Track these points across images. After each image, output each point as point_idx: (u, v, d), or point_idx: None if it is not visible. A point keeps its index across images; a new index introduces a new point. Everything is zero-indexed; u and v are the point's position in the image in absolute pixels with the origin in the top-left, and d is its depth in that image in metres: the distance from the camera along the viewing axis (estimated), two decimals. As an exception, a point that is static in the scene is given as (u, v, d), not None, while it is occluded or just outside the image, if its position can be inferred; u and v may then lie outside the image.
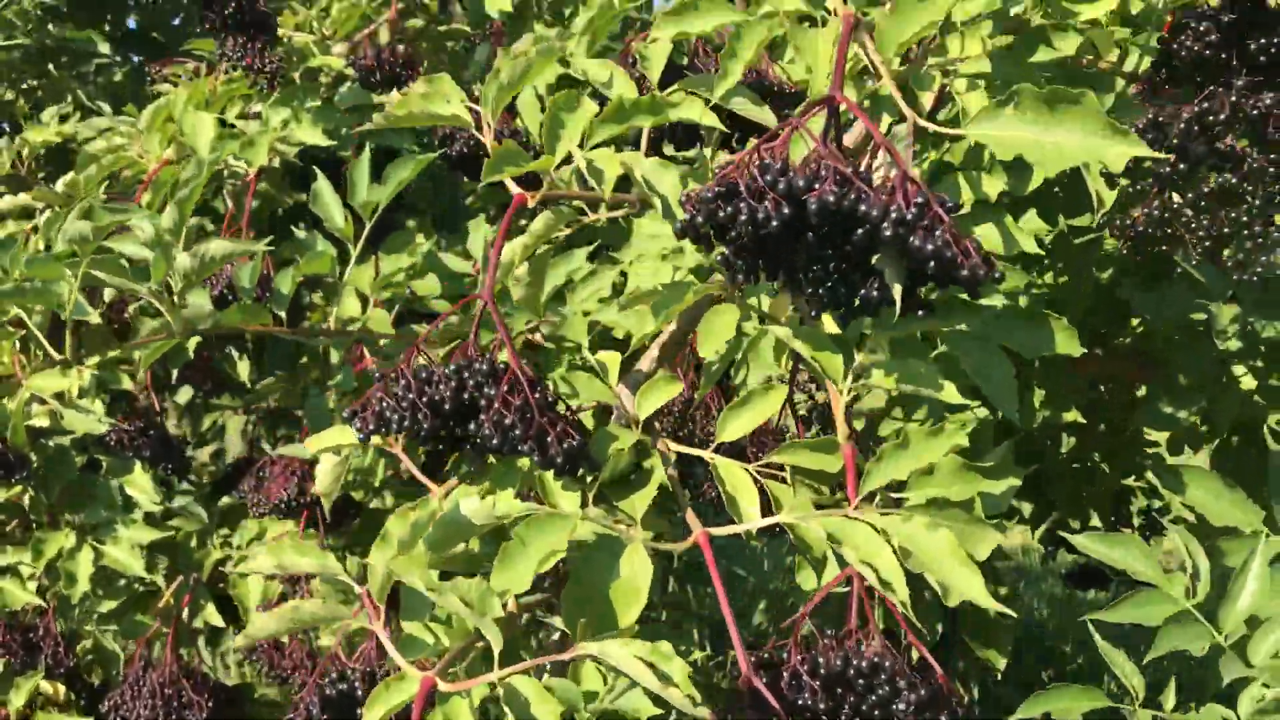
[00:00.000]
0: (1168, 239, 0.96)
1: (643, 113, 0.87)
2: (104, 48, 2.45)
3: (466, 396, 0.81)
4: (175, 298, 1.28)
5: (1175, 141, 0.91)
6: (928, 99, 0.93)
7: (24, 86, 2.59)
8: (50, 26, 2.37)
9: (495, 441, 0.78)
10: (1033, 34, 0.98)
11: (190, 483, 1.88)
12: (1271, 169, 0.92)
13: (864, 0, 0.79)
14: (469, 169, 1.63)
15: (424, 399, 0.80)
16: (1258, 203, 0.92)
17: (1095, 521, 1.93)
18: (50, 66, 2.51)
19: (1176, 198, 0.95)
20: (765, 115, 0.93)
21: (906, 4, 0.75)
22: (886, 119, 0.85)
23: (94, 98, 2.61)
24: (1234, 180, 0.92)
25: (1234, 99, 0.90)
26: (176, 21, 2.84)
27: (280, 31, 1.71)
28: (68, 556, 1.57)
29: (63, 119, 2.77)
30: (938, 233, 0.67)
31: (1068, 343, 0.91)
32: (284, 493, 1.53)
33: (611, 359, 0.90)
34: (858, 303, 0.75)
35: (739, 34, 0.85)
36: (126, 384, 1.59)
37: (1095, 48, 1.08)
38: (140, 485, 1.63)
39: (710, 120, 0.86)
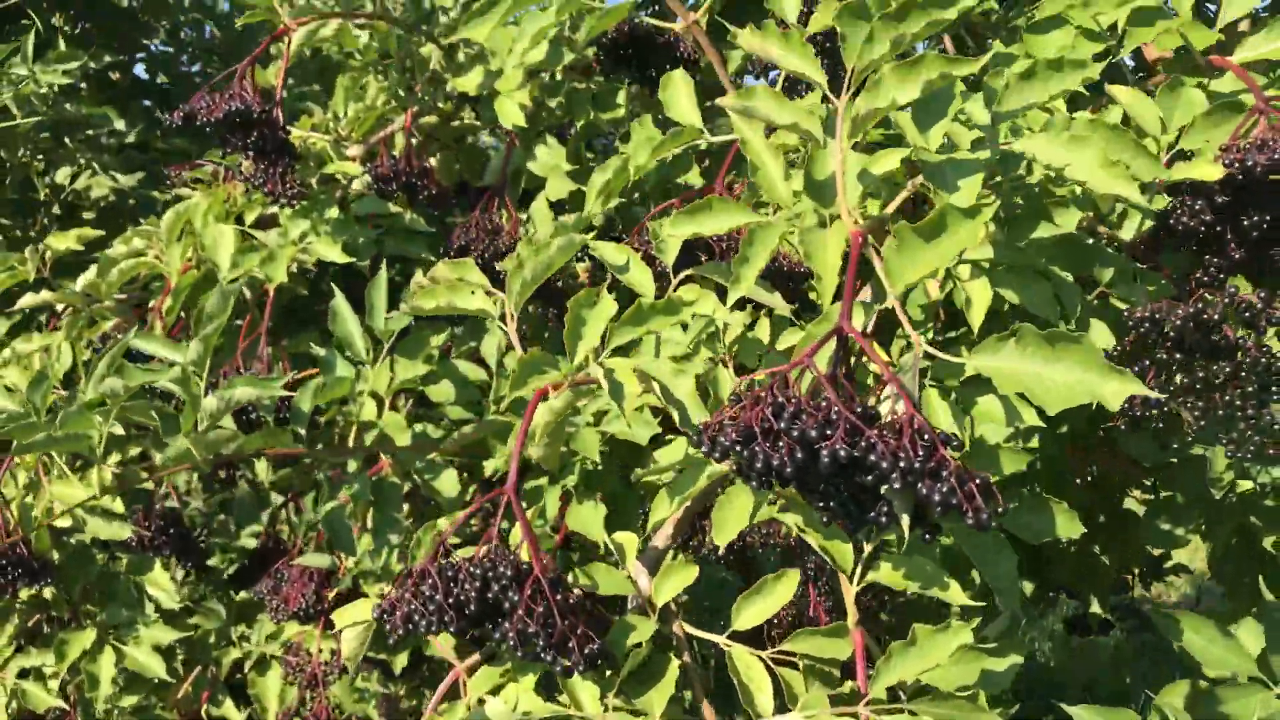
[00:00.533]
0: (1164, 418, 0.99)
1: (659, 314, 0.90)
2: (119, 124, 2.49)
3: (491, 597, 0.84)
4: (198, 431, 1.32)
5: (1171, 333, 0.95)
6: (932, 286, 0.97)
7: (40, 152, 2.63)
8: (68, 105, 2.41)
9: (518, 648, 0.82)
10: (1033, 212, 1.02)
11: (209, 572, 1.91)
12: (1264, 360, 0.95)
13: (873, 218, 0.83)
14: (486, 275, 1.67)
15: (449, 599, 0.84)
16: (1252, 390, 0.96)
17: (1095, 607, 1.96)
18: (66, 139, 2.55)
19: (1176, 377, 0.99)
20: (777, 301, 0.97)
21: (912, 243, 0.78)
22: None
23: (108, 167, 2.65)
24: (1229, 369, 0.95)
25: (1227, 300, 0.94)
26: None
27: (297, 133, 1.75)
28: (90, 658, 1.60)
29: (73, 178, 2.82)
30: (944, 474, 0.71)
31: (1068, 525, 0.95)
32: (301, 599, 1.56)
33: (629, 541, 0.94)
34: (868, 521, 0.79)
35: (752, 238, 0.89)
36: (147, 483, 1.63)
37: (1096, 207, 1.12)
38: (160, 584, 1.67)
39: (725, 315, 0.89)
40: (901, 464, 0.70)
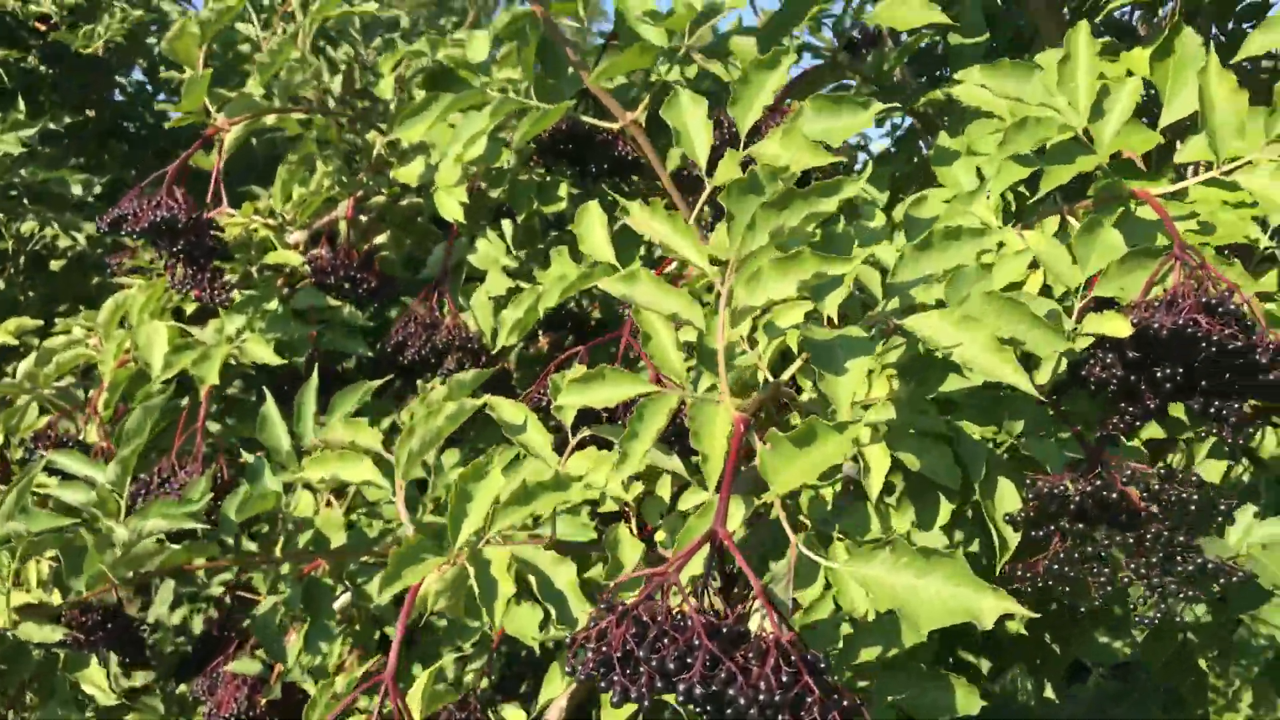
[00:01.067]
0: (1071, 582, 0.98)
1: (548, 491, 0.89)
2: (76, 189, 2.48)
3: None
4: (117, 549, 1.30)
5: (1072, 506, 0.93)
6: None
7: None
8: (22, 172, 2.40)
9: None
10: (939, 366, 1.00)
11: (156, 658, 1.90)
12: (1166, 530, 0.93)
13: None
14: (423, 370, 1.65)
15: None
16: (1155, 559, 0.94)
17: (1049, 692, 1.94)
18: (25, 200, 2.54)
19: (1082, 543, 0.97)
20: (675, 464, 0.95)
21: (786, 449, 0.76)
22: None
23: (69, 226, 2.64)
24: (1131, 539, 0.94)
25: (1126, 478, 0.92)
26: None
27: (239, 219, 1.74)
28: (23, 759, 1.59)
29: (40, 228, 2.80)
30: (808, 704, 0.69)
31: (967, 701, 0.93)
32: (234, 705, 1.55)
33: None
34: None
35: (641, 413, 0.87)
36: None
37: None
38: (96, 682, 1.65)
39: (619, 492, 0.88)
40: (760, 698, 0.69)
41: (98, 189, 3.06)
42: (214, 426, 2.00)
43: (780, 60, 1.08)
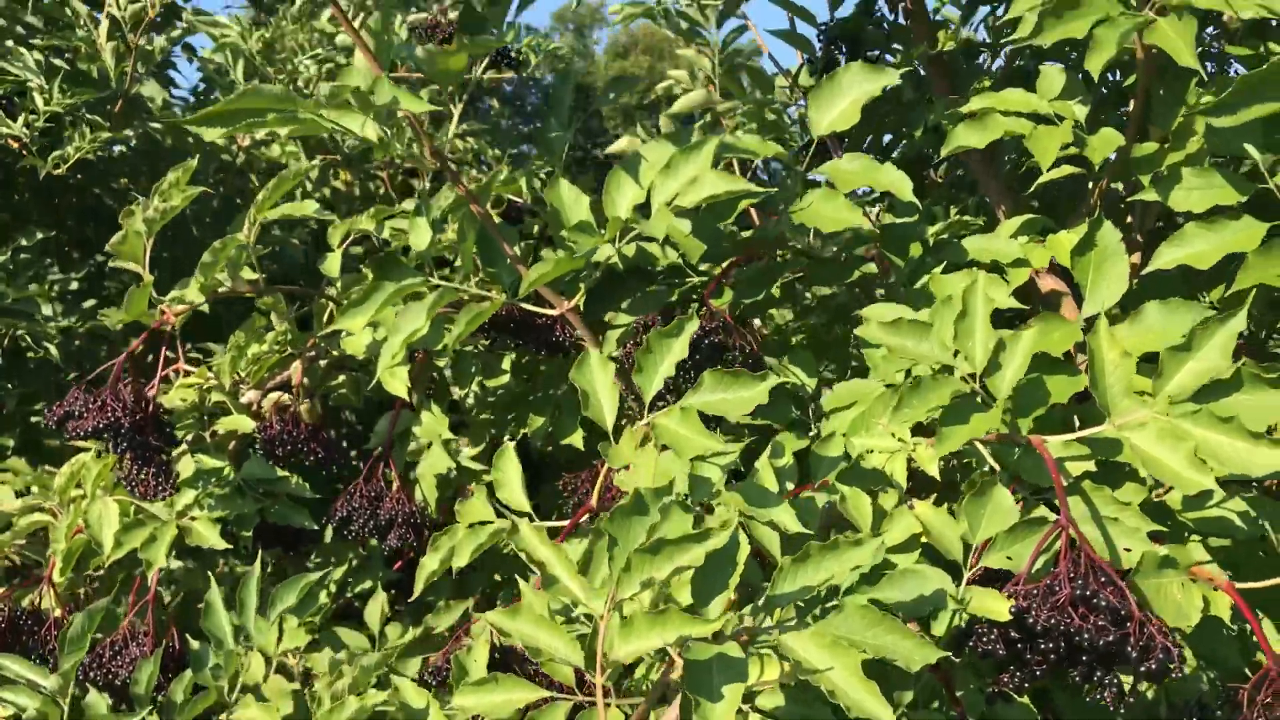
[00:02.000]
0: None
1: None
2: (46, 309, 2.52)
3: None
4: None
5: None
6: None
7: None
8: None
9: None
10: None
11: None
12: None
13: None
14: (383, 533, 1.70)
15: None
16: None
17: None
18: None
19: None
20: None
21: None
22: None
23: (40, 338, 2.68)
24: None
25: None
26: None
27: (193, 381, 1.78)
28: None
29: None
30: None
31: None
32: None
33: None
34: None
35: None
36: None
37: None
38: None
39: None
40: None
41: (74, 285, 3.12)
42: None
43: (684, 328, 1.13)
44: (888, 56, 1.96)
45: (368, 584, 1.83)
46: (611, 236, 1.45)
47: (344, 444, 1.98)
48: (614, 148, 2.38)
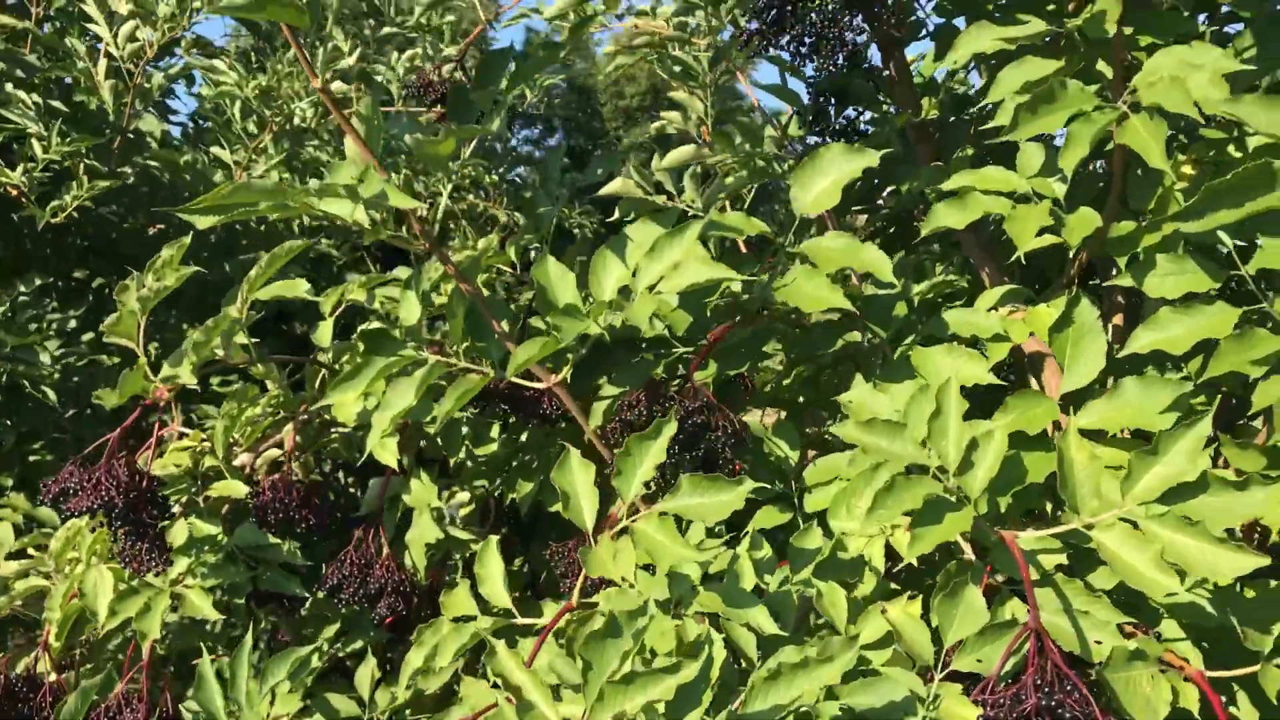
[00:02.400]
0: None
1: None
2: (45, 358, 2.55)
3: None
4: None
5: None
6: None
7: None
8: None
9: None
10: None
11: None
12: None
13: None
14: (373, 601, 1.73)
15: None
16: None
17: None
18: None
19: None
20: None
21: None
22: None
23: (39, 382, 2.71)
24: None
25: None
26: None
27: (187, 445, 1.81)
28: None
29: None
30: None
31: None
32: None
33: None
34: None
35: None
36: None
37: None
38: None
39: None
40: None
41: (71, 324, 3.15)
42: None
43: (662, 430, 1.15)
44: (868, 123, 1.98)
45: (359, 644, 1.86)
46: (596, 319, 1.48)
47: (336, 495, 2.01)
48: (608, 189, 2.41)
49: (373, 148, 1.45)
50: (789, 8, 1.51)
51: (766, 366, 2.36)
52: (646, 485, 1.18)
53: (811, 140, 2.17)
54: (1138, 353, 1.47)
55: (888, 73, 1.89)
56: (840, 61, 1.52)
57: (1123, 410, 1.51)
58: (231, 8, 1.28)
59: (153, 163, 3.18)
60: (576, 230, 3.74)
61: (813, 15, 1.51)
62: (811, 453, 2.05)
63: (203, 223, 1.37)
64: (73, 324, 3.12)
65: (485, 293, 1.74)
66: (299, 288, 1.56)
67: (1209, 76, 1.29)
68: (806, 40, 1.52)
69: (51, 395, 2.67)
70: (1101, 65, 1.61)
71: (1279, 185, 1.20)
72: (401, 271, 1.86)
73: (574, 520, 1.17)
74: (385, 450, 1.66)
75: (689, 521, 1.09)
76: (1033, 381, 1.74)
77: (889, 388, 1.60)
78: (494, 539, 1.25)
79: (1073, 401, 1.56)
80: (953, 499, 1.20)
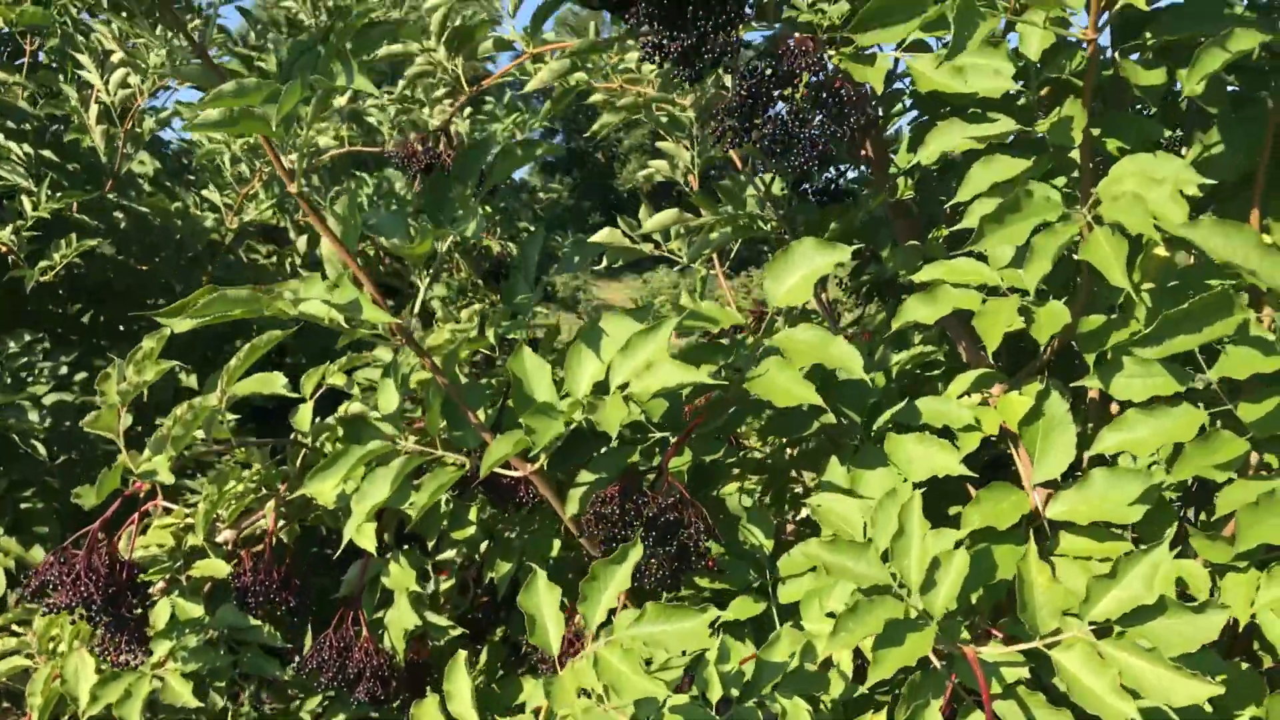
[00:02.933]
0: None
1: None
2: (33, 415, 2.57)
3: None
4: None
5: None
6: None
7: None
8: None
9: None
10: None
11: None
12: None
13: None
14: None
15: None
16: None
17: None
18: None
19: None
20: None
21: None
22: None
23: (29, 435, 2.74)
24: None
25: None
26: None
27: (171, 521, 1.83)
28: None
29: None
30: None
31: None
32: None
33: None
34: None
35: None
36: None
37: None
38: None
39: None
40: None
41: (63, 370, 3.17)
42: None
43: (627, 555, 1.17)
44: (852, 182, 2.01)
45: (341, 717, 1.88)
46: (569, 419, 1.49)
47: (318, 570, 2.03)
48: (595, 239, 2.42)
49: (349, 247, 1.47)
50: (758, 107, 1.52)
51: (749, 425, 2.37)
52: (611, 612, 1.20)
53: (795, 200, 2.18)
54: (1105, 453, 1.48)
55: (865, 152, 1.91)
56: (812, 161, 1.53)
57: (1091, 502, 1.53)
58: (206, 125, 1.30)
59: (143, 208, 3.20)
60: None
61: (783, 115, 1.53)
62: (790, 526, 2.08)
63: (180, 326, 1.39)
64: (64, 370, 3.14)
65: (464, 376, 1.76)
66: (276, 383, 1.58)
67: (1169, 192, 1.30)
68: (777, 138, 1.54)
69: (41, 450, 2.68)
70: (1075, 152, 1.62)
71: (1236, 310, 1.22)
72: (382, 352, 1.88)
73: (539, 644, 1.18)
74: (364, 536, 1.68)
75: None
76: (1013, 450, 1.75)
77: (861, 475, 1.62)
78: (462, 655, 1.26)
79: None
80: (915, 618, 1.22)
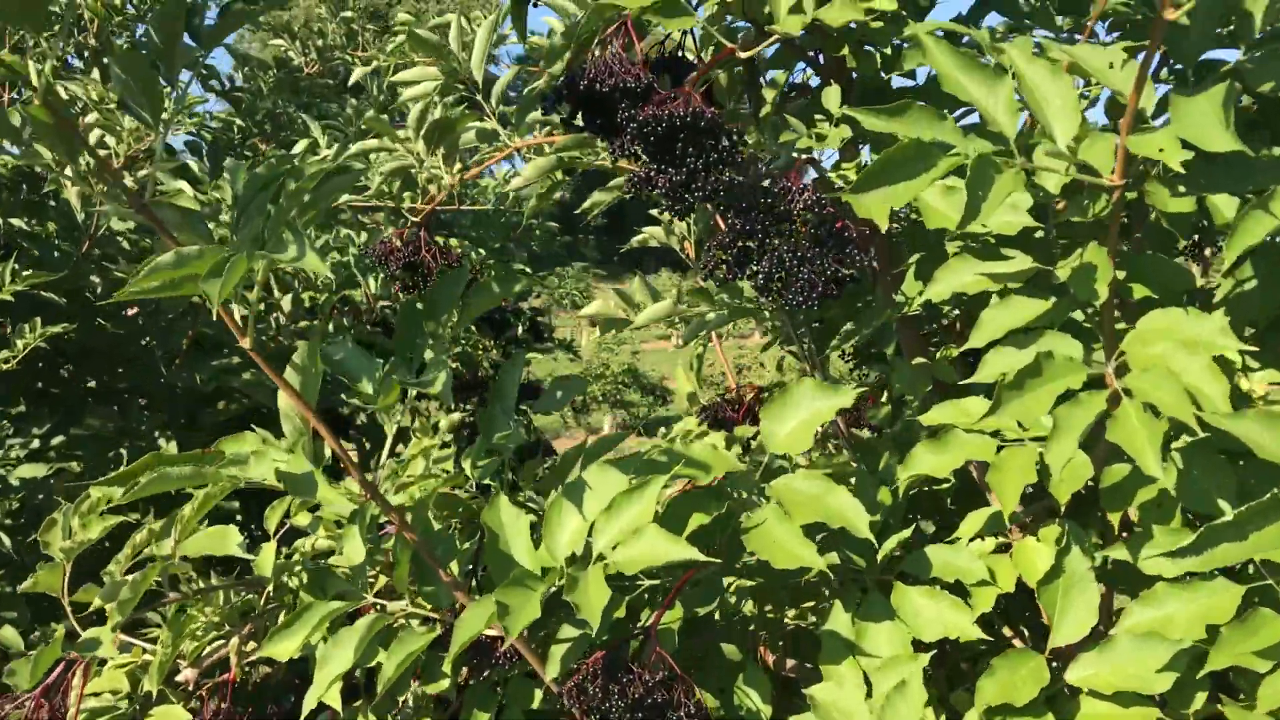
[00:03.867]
0: None
1: None
2: (14, 481, 2.47)
3: None
4: None
5: None
6: None
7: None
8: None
9: None
10: None
11: None
12: None
13: None
14: None
15: None
16: None
17: None
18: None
19: None
20: None
21: None
22: None
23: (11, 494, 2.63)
24: None
25: None
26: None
27: (130, 660, 1.72)
28: None
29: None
30: None
31: None
32: None
33: None
34: None
35: None
36: None
37: None
38: None
39: None
40: None
41: (35, 444, 3.06)
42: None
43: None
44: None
45: None
46: (548, 588, 1.37)
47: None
48: (586, 311, 2.30)
49: (308, 400, 1.34)
50: (753, 251, 1.40)
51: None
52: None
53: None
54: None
55: (873, 264, 1.78)
56: (812, 301, 1.41)
57: (1116, 667, 1.41)
58: (144, 291, 1.18)
59: (120, 274, 3.10)
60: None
61: (782, 253, 1.41)
62: (790, 663, 1.95)
63: (122, 499, 1.27)
64: (35, 444, 3.03)
65: (437, 525, 1.65)
66: (230, 543, 1.45)
67: (1205, 363, 1.18)
68: (774, 275, 1.42)
69: (7, 541, 2.58)
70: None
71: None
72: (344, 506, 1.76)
73: None
74: (330, 697, 1.56)
75: None
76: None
77: (867, 630, 1.51)
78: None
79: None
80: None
